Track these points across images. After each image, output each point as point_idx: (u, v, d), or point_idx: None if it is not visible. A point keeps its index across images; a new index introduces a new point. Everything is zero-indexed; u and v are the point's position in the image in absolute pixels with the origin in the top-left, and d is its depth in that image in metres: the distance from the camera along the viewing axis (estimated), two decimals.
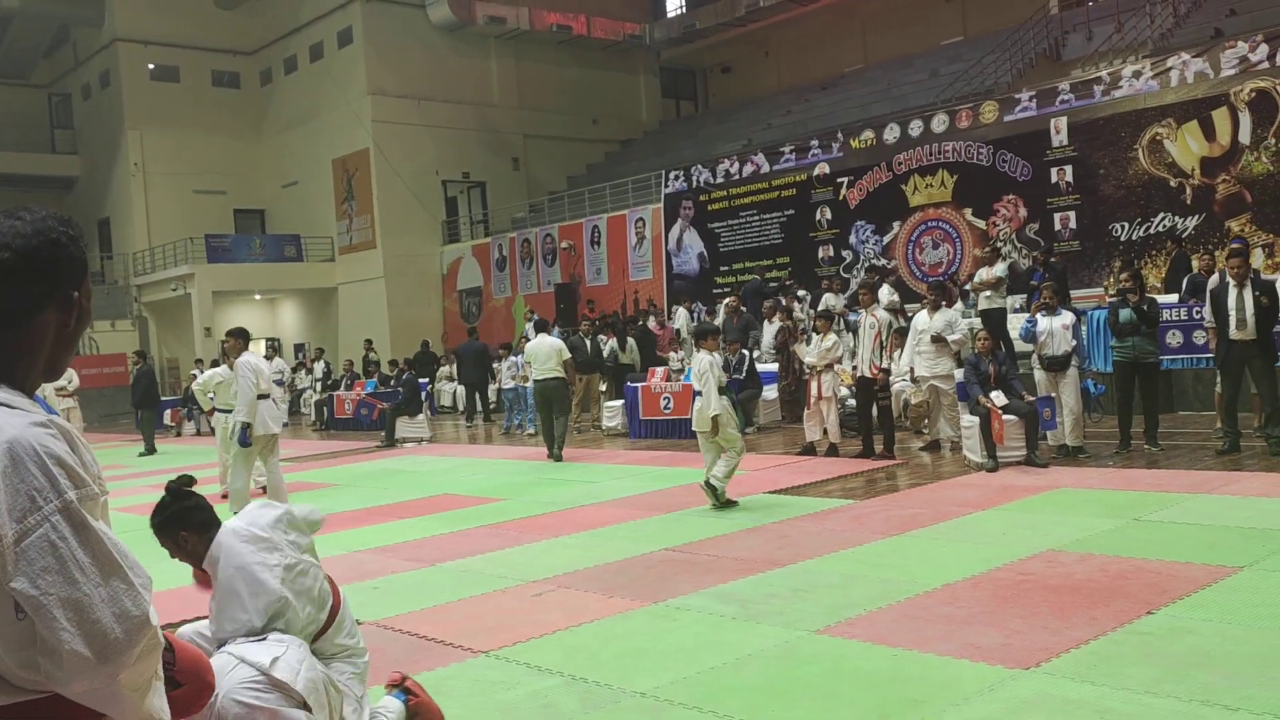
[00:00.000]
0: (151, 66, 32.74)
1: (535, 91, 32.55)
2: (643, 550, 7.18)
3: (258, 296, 33.44)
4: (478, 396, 20.02)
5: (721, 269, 22.63)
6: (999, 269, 14.46)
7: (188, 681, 2.05)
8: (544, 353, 12.85)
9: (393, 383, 19.56)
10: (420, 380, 18.86)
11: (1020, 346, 12.14)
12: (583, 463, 12.63)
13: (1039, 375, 10.21)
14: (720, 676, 4.53)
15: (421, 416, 17.19)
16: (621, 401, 15.79)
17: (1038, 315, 10.19)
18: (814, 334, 12.07)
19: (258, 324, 32.65)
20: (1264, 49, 14.99)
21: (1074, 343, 10.02)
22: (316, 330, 32.13)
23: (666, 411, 14.63)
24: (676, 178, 23.88)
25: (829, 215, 20.63)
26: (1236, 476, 8.36)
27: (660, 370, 15.38)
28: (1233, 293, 9.18)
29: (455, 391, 22.76)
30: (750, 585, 6.04)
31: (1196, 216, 15.62)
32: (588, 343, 16.68)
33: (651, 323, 19.19)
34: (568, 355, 13.08)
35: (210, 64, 33.53)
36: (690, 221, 23.46)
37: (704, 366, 8.55)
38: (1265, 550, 5.94)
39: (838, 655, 4.70)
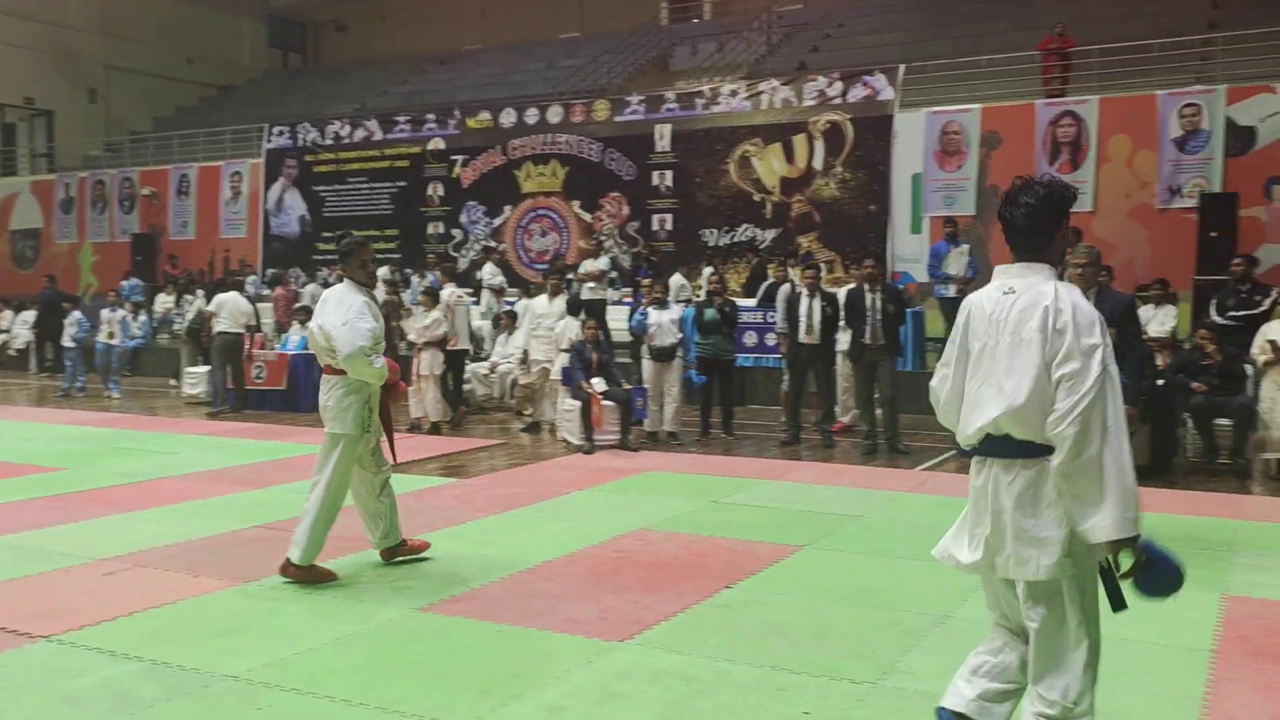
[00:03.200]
0: None
1: (121, 17, 29.35)
2: (232, 527, 6.75)
3: None
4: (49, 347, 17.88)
5: (325, 235, 21.70)
6: (602, 262, 15.16)
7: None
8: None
9: None
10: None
11: (623, 338, 12.81)
12: (161, 432, 11.61)
13: (646, 365, 10.82)
14: (320, 657, 4.36)
15: None
16: (208, 368, 14.67)
17: (650, 309, 10.79)
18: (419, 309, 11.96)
19: None
20: (839, 86, 16.87)
21: (679, 335, 10.74)
22: None
23: (259, 381, 13.83)
24: (281, 133, 22.57)
25: (441, 192, 20.47)
26: (797, 465, 9.36)
27: (256, 337, 14.46)
28: (804, 301, 10.28)
29: (30, 343, 19.81)
30: (351, 563, 5.90)
31: (774, 230, 17.26)
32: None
33: (250, 285, 17.80)
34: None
35: None
36: (293, 182, 22.27)
37: None
38: (820, 531, 6.70)
39: (442, 632, 4.69)
